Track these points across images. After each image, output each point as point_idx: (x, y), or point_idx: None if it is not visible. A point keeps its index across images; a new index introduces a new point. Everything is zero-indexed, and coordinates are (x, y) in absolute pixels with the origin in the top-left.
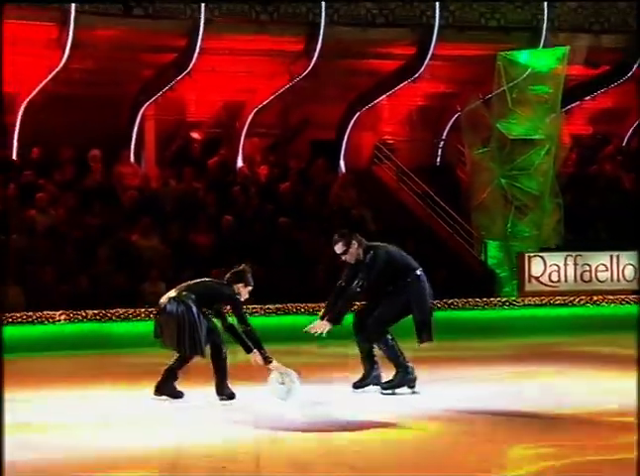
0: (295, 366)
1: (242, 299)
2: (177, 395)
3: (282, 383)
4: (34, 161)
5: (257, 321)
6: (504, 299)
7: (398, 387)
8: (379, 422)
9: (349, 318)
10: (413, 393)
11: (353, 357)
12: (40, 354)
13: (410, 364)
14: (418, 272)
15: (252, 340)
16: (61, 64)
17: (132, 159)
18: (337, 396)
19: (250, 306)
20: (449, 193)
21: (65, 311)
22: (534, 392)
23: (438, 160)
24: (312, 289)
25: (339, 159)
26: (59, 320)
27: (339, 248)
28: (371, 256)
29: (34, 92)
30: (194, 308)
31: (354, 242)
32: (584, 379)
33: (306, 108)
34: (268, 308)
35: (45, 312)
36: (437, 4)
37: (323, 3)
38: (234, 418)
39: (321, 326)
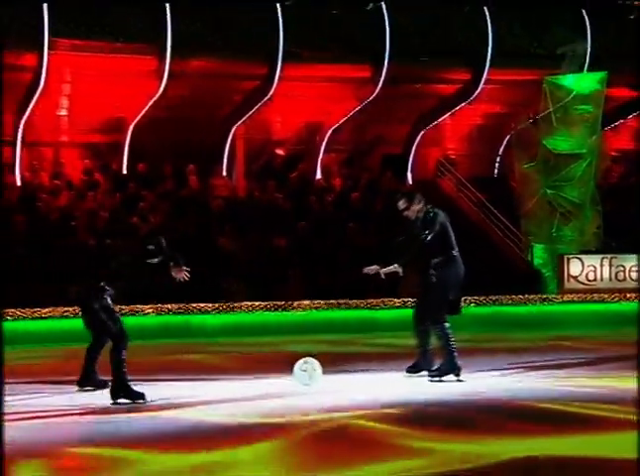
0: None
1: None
2: (101, 384)
3: (305, 370)
4: (139, 174)
5: (319, 315)
6: (544, 296)
7: (445, 374)
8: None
9: (405, 312)
10: (459, 381)
11: (403, 347)
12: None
13: (457, 354)
14: (455, 252)
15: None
16: (160, 92)
17: (224, 173)
18: (379, 382)
19: (315, 301)
20: (504, 203)
21: (154, 305)
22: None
23: (495, 172)
24: (371, 287)
25: (407, 171)
26: (148, 313)
27: (402, 204)
28: (434, 212)
29: (139, 116)
30: (104, 297)
31: (416, 199)
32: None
33: (377, 127)
34: (331, 303)
35: (135, 306)
36: (490, 34)
37: (388, 35)
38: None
39: (374, 269)
